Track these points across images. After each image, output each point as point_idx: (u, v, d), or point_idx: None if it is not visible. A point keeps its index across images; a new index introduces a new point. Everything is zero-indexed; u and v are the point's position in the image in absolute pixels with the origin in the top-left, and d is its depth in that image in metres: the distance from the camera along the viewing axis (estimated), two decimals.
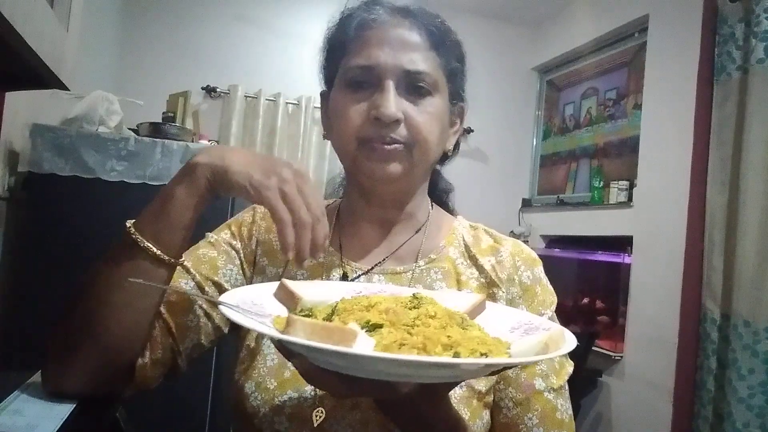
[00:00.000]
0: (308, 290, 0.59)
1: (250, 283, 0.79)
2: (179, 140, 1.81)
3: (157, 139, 1.74)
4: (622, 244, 2.82)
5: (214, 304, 0.75)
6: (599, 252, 3.08)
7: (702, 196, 2.33)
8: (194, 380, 1.67)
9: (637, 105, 2.97)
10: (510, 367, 0.69)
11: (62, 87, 0.84)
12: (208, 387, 1.72)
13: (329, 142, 0.81)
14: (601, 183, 3.11)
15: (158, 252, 0.63)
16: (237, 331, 0.79)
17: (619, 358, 2.75)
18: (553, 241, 3.50)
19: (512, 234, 3.54)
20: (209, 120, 3.18)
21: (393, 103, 0.71)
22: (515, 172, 3.83)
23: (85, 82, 2.11)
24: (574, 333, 0.60)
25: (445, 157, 0.84)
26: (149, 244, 0.63)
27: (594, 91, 3.39)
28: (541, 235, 3.56)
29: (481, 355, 0.47)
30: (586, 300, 3.14)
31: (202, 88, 3.23)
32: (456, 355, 0.46)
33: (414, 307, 0.54)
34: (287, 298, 0.58)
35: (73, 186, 1.64)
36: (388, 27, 0.74)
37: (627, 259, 2.80)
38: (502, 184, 3.70)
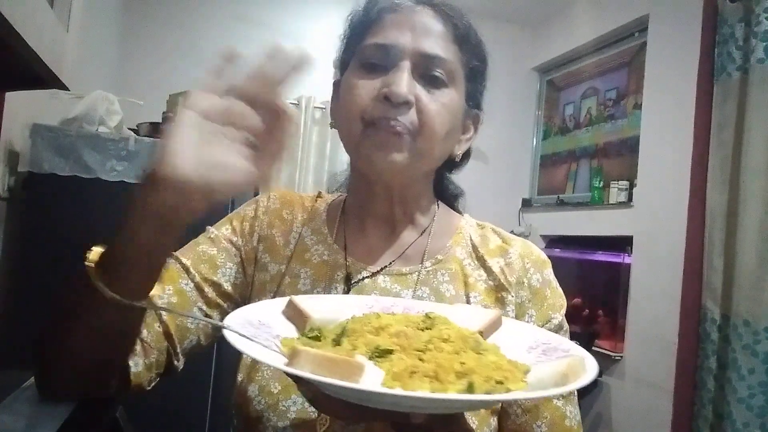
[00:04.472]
0: (318, 307, 0.57)
1: (251, 281, 0.78)
2: None
3: (157, 139, 1.74)
4: (622, 244, 2.82)
5: (214, 306, 0.74)
6: (599, 252, 3.08)
7: (702, 196, 2.33)
8: (194, 380, 1.68)
9: (637, 105, 2.97)
10: None
11: (62, 87, 0.84)
12: (208, 387, 1.72)
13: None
14: (601, 183, 3.10)
15: (112, 296, 0.53)
16: None
17: (619, 358, 2.75)
18: (553, 241, 3.50)
19: (511, 234, 3.54)
20: None
21: (406, 83, 0.68)
22: (515, 172, 3.83)
23: (85, 82, 2.11)
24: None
25: (453, 164, 0.82)
26: (104, 287, 0.53)
27: (594, 91, 3.39)
28: (541, 235, 3.56)
29: (497, 383, 0.45)
30: (585, 300, 3.14)
31: None
32: (470, 384, 0.44)
33: (427, 328, 0.52)
34: (296, 316, 0.56)
35: (73, 186, 1.65)
36: (412, 13, 0.72)
37: (627, 259, 2.79)
38: (502, 184, 3.70)
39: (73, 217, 1.65)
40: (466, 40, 0.74)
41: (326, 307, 0.57)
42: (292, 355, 0.44)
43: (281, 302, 0.58)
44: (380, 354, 0.47)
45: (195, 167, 0.49)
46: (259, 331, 0.52)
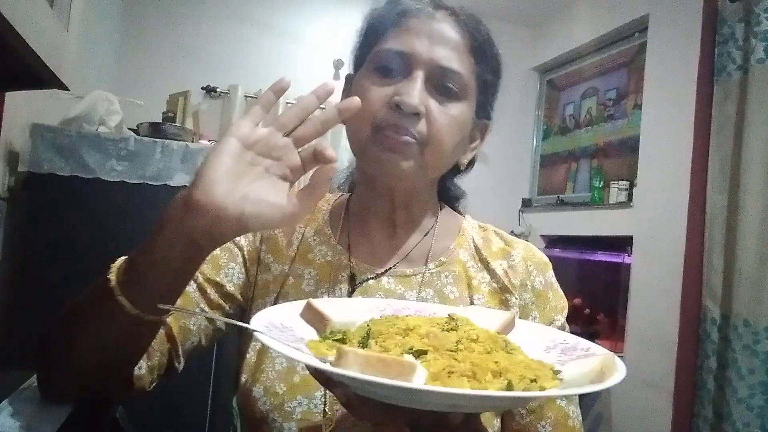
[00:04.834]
0: (334, 310, 0.57)
1: (254, 281, 0.78)
2: (179, 140, 1.81)
3: (157, 139, 1.75)
4: (622, 244, 2.82)
5: (215, 307, 0.74)
6: (599, 252, 3.08)
7: (702, 196, 2.33)
8: (194, 380, 1.68)
9: (637, 105, 2.97)
10: None
11: (62, 87, 0.84)
12: (208, 387, 1.72)
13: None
14: (601, 183, 3.10)
15: (133, 310, 0.55)
16: (241, 330, 0.78)
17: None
18: (553, 241, 3.50)
19: (512, 234, 3.54)
20: (209, 120, 3.18)
21: (418, 94, 0.68)
22: (515, 172, 3.82)
23: (85, 82, 2.11)
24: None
25: (457, 171, 0.82)
26: (125, 301, 0.55)
27: (594, 91, 3.39)
28: (541, 235, 3.56)
29: (531, 381, 0.45)
30: (585, 300, 3.14)
31: (202, 88, 3.23)
32: (509, 383, 0.45)
33: (452, 329, 0.52)
34: (315, 319, 0.56)
35: (73, 186, 1.65)
36: (431, 20, 0.71)
37: (627, 259, 2.79)
38: (502, 184, 3.69)
39: (73, 217, 1.65)
40: (482, 52, 0.74)
41: (342, 310, 0.57)
42: (339, 356, 0.43)
43: (298, 305, 0.58)
44: (415, 355, 0.47)
45: (230, 197, 0.51)
46: (284, 334, 0.52)
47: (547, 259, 0.80)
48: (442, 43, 0.70)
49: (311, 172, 0.59)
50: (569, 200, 3.41)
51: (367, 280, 0.75)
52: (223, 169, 0.52)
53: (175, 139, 1.80)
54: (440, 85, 0.70)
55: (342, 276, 0.76)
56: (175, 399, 1.51)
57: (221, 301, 0.74)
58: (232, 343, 0.82)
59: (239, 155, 0.54)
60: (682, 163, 2.44)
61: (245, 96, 3.25)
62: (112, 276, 0.56)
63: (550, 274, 0.79)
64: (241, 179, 0.53)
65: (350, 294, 0.74)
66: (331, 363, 0.44)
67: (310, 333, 0.55)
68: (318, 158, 0.57)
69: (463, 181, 0.90)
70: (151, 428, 1.43)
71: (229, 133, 0.55)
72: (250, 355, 0.73)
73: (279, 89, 0.59)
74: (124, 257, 0.59)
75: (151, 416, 1.36)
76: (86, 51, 2.14)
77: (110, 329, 0.57)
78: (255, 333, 0.48)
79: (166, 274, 0.55)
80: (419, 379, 0.43)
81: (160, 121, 2.04)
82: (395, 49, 0.70)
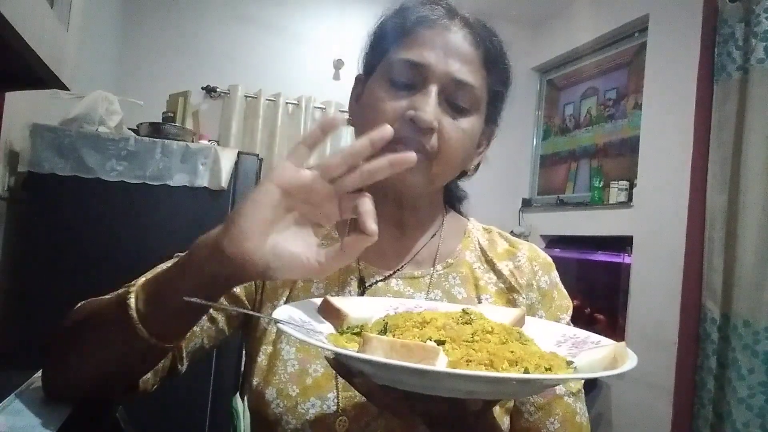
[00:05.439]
0: (350, 306, 0.58)
1: (262, 284, 0.78)
2: (179, 140, 1.81)
3: (157, 139, 1.75)
4: (622, 244, 2.82)
5: (220, 310, 0.74)
6: (599, 252, 3.08)
7: (702, 196, 2.33)
8: (194, 380, 1.68)
9: (637, 105, 2.97)
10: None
11: (62, 87, 0.84)
12: (208, 387, 1.72)
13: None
14: (601, 183, 3.11)
15: (151, 339, 0.56)
16: (247, 333, 0.78)
17: None
18: (553, 241, 3.50)
19: (512, 234, 3.54)
20: (209, 120, 3.18)
21: (432, 109, 0.68)
22: (515, 172, 3.82)
23: (85, 82, 2.11)
24: None
25: (463, 174, 0.83)
26: (144, 331, 0.55)
27: (594, 91, 3.39)
28: (541, 235, 3.56)
29: (546, 370, 0.46)
30: (585, 300, 3.14)
31: (202, 88, 3.23)
32: (525, 370, 0.46)
33: (466, 323, 0.53)
34: (332, 315, 0.57)
35: (73, 186, 1.65)
36: (447, 32, 0.72)
37: (627, 259, 2.80)
38: (502, 184, 3.69)
39: (73, 217, 1.65)
40: (495, 65, 0.75)
41: (357, 307, 0.59)
42: (364, 343, 0.44)
43: (315, 302, 0.60)
44: None
45: (259, 251, 0.50)
46: (304, 328, 0.53)
47: (551, 260, 0.82)
48: (456, 56, 0.70)
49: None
50: (569, 200, 3.41)
51: (376, 282, 0.76)
52: (259, 222, 0.50)
53: (175, 139, 1.80)
54: (453, 99, 0.71)
55: (351, 279, 0.76)
56: (175, 399, 1.51)
57: (227, 303, 0.74)
58: (232, 344, 0.82)
59: (278, 205, 0.51)
60: (682, 163, 2.44)
61: (245, 96, 3.25)
62: (131, 302, 0.56)
63: (555, 274, 0.80)
64: (273, 226, 0.51)
65: (360, 296, 0.75)
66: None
67: (328, 328, 0.56)
68: (358, 226, 0.53)
69: (464, 182, 0.90)
70: (151, 428, 1.43)
71: (271, 179, 0.51)
72: (261, 359, 0.73)
73: (329, 126, 0.54)
74: (142, 280, 0.59)
75: (152, 416, 1.36)
76: (86, 51, 2.14)
77: (123, 349, 0.58)
78: (278, 324, 0.49)
79: (185, 309, 0.55)
80: (442, 365, 0.43)
81: (160, 121, 2.04)
82: (410, 61, 0.70)
